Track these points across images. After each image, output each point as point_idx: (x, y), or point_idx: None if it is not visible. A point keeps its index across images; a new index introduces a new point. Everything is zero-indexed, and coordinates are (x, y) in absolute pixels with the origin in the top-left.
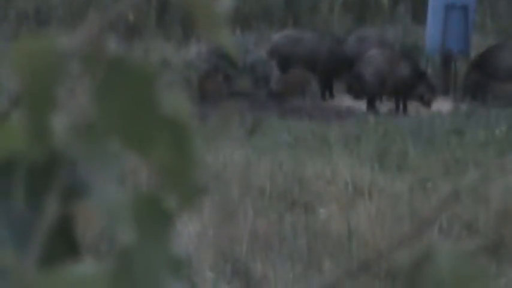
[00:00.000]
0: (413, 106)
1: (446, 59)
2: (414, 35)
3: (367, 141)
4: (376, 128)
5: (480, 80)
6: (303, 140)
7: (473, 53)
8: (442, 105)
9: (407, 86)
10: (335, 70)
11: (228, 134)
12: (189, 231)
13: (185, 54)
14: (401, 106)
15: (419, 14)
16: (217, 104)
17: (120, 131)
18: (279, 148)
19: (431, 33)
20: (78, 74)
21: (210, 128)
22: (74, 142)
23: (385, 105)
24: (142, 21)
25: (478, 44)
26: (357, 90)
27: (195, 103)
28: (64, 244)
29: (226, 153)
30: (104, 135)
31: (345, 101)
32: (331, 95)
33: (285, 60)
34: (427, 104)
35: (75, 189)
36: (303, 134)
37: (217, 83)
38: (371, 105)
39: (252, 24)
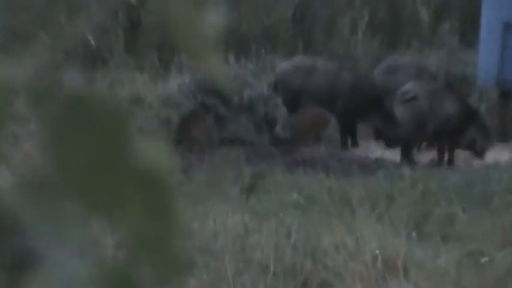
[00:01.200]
0: (461, 156)
1: (505, 94)
2: (463, 61)
3: (401, 202)
4: (414, 185)
5: None
6: (317, 200)
7: None
8: (500, 154)
9: (455, 130)
10: (359, 109)
11: (220, 193)
12: None
13: (163, 89)
14: (446, 156)
15: (469, 34)
16: (205, 154)
17: (81, 188)
18: (286, 211)
19: (485, 60)
20: (26, 116)
21: (196, 185)
22: (23, 202)
23: (425, 155)
24: (108, 46)
25: None
26: (388, 135)
27: (177, 152)
28: None
29: (218, 218)
30: (60, 194)
31: (372, 150)
32: (355, 143)
33: (294, 96)
34: (480, 153)
35: (24, 259)
36: (317, 192)
37: (205, 126)
38: (407, 155)
39: (251, 49)
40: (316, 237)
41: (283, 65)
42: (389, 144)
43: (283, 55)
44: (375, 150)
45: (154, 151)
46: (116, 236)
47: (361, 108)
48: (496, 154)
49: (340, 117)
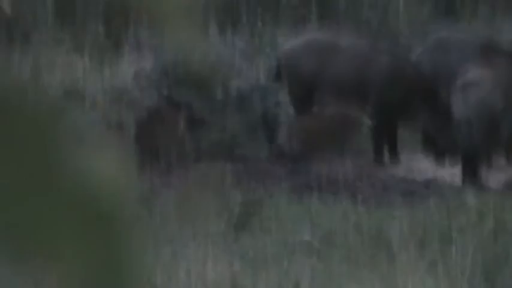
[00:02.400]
0: None
1: None
2: None
3: (463, 244)
4: (482, 218)
5: None
6: (339, 242)
7: None
8: None
9: None
10: (401, 107)
11: (197, 230)
12: None
13: (113, 79)
14: None
15: None
16: (174, 172)
17: (4, 217)
18: (294, 258)
19: None
20: None
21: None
22: None
23: (499, 175)
24: (31, 14)
25: None
26: (442, 145)
27: (134, 171)
28: None
29: (194, 268)
30: None
31: (420, 167)
32: (395, 157)
33: (305, 88)
34: None
35: None
36: (339, 230)
37: (174, 132)
38: (471, 174)
39: (242, 18)
40: None
41: (290, 43)
42: (443, 157)
43: (288, 27)
44: (424, 168)
45: (100, 168)
46: (54, 279)
47: (404, 106)
48: None
49: (373, 120)
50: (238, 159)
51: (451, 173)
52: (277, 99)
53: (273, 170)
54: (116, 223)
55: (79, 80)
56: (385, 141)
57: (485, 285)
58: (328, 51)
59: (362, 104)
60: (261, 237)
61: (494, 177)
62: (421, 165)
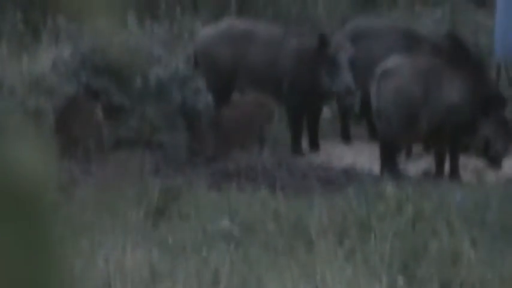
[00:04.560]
0: (470, 165)
1: None
2: (471, 25)
3: (381, 232)
4: (400, 207)
5: None
6: (258, 230)
7: None
8: None
9: (461, 127)
10: (320, 93)
11: (115, 218)
12: None
13: (31, 67)
14: (447, 165)
15: None
16: (93, 161)
17: None
18: (213, 246)
19: (504, 24)
20: None
21: (80, 206)
22: None
23: (416, 164)
24: None
25: None
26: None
27: (52, 160)
28: None
29: (112, 256)
30: None
31: (339, 155)
32: (314, 145)
33: (223, 76)
34: (495, 160)
35: None
36: (258, 218)
37: (92, 121)
38: (389, 163)
39: (160, 7)
40: (256, 285)
41: (207, 31)
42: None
43: (207, 16)
44: (343, 156)
45: (18, 156)
46: None
47: (323, 92)
48: None
49: (288, 107)
50: (157, 147)
51: (369, 161)
52: (196, 86)
53: (191, 158)
54: (35, 210)
55: None
56: (303, 129)
57: (404, 273)
58: (244, 38)
59: (278, 90)
60: (180, 225)
61: (412, 165)
62: (340, 152)
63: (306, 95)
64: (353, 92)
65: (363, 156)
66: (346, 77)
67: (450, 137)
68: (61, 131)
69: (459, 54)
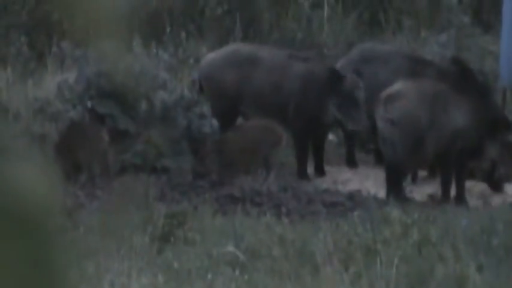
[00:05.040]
0: (476, 190)
1: None
2: (477, 50)
3: (387, 257)
4: (406, 232)
5: None
6: (263, 255)
7: None
8: None
9: (467, 151)
10: (325, 122)
11: (120, 244)
12: None
13: (36, 91)
14: (453, 190)
15: (486, 12)
16: (98, 186)
17: None
18: (218, 271)
19: (510, 48)
20: None
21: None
22: None
23: (422, 189)
24: None
25: None
26: (350, 129)
27: (56, 185)
28: None
29: (118, 281)
30: None
31: (345, 179)
32: (319, 170)
33: (228, 100)
34: (498, 184)
35: None
36: (264, 244)
37: (97, 145)
38: (395, 188)
39: (166, 32)
40: None
41: (212, 55)
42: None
43: (212, 41)
44: (348, 181)
45: (23, 180)
46: None
47: (327, 116)
48: None
49: (294, 132)
50: (162, 172)
51: (375, 186)
52: (201, 111)
53: (197, 183)
54: (40, 234)
55: (2, 91)
56: (309, 153)
57: None
58: (249, 63)
59: (283, 115)
60: (185, 250)
61: (418, 189)
62: (346, 178)
63: (311, 120)
64: (368, 130)
65: (369, 181)
66: (363, 117)
67: (456, 162)
68: (66, 156)
69: (465, 78)
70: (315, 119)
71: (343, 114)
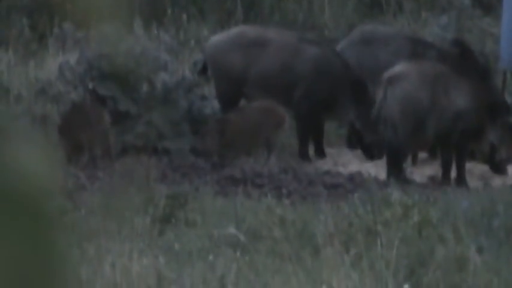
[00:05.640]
0: (476, 172)
1: None
2: (477, 33)
3: (388, 239)
4: (407, 214)
5: None
6: (264, 236)
7: None
8: None
9: (468, 133)
10: (327, 101)
11: (121, 225)
12: None
13: (37, 73)
14: (453, 172)
15: None
16: (99, 167)
17: None
18: (219, 252)
19: (510, 30)
20: None
21: (86, 213)
22: None
23: (423, 171)
24: None
25: None
26: (368, 140)
27: (58, 166)
28: None
29: (118, 262)
30: None
31: (345, 162)
32: (320, 152)
33: (232, 82)
34: (500, 166)
35: None
36: (264, 225)
37: (98, 127)
38: (396, 170)
39: (167, 13)
40: None
41: (216, 38)
42: (371, 153)
43: (214, 23)
44: (349, 162)
45: (25, 162)
46: None
47: (330, 100)
48: None
49: (299, 114)
50: (163, 154)
51: (376, 167)
52: (202, 93)
53: (198, 165)
54: (41, 215)
55: (3, 73)
56: (311, 136)
57: (410, 279)
58: (256, 44)
59: (289, 97)
60: (186, 231)
61: (419, 171)
62: (346, 160)
63: (318, 103)
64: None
65: (369, 163)
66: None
67: (457, 143)
68: (67, 137)
69: (465, 60)
70: (322, 102)
71: (363, 124)
